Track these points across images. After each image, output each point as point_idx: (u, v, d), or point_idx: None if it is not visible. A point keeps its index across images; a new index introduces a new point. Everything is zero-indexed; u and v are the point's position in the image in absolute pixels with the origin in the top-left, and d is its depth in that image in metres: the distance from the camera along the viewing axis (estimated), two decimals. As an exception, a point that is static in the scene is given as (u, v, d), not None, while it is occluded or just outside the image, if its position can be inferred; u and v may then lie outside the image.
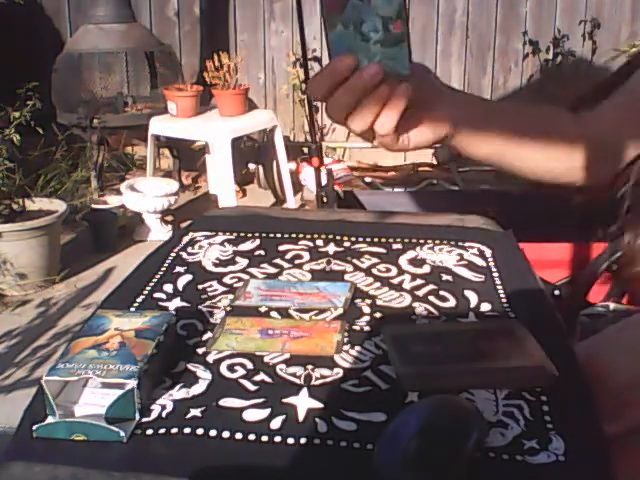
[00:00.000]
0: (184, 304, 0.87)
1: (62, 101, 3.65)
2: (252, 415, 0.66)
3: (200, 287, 0.92)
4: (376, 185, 4.07)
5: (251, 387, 0.71)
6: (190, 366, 0.74)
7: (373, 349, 0.77)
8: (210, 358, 0.76)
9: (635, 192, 1.02)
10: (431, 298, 0.89)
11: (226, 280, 0.94)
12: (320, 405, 0.68)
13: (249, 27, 4.30)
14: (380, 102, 0.67)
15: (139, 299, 0.88)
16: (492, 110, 0.85)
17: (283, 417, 0.66)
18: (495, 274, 0.95)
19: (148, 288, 0.91)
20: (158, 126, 3.51)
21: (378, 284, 0.92)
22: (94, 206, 3.32)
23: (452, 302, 0.88)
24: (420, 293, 0.90)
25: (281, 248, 1.04)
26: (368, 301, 0.88)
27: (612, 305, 1.49)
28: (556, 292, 1.47)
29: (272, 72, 4.37)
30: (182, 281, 0.93)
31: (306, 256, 1.01)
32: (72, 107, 3.59)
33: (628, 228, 1.02)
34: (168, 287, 0.92)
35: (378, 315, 0.85)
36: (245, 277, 0.95)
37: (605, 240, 1.45)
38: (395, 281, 0.93)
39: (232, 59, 3.46)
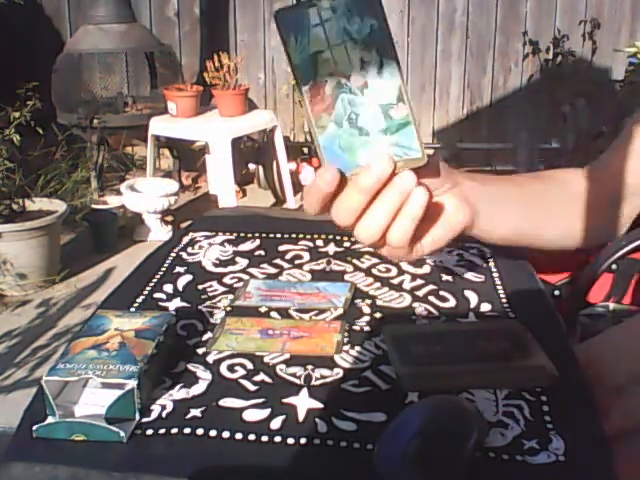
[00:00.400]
0: (184, 304, 0.87)
1: (62, 101, 3.65)
2: (252, 415, 0.66)
3: (200, 287, 0.92)
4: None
5: (251, 387, 0.71)
6: (190, 366, 0.74)
7: (373, 349, 0.77)
8: (210, 358, 0.76)
9: None
10: (431, 298, 0.89)
11: (226, 280, 0.94)
12: (320, 405, 0.68)
13: (249, 27, 4.30)
14: (391, 210, 0.58)
15: (139, 299, 0.88)
16: (506, 194, 0.78)
17: (283, 417, 0.66)
18: (495, 274, 0.95)
19: (148, 288, 0.91)
20: (158, 126, 3.51)
21: (378, 284, 0.92)
22: (94, 206, 3.32)
23: (452, 302, 0.88)
24: (420, 293, 0.90)
25: (281, 248, 1.04)
26: (368, 301, 0.88)
27: (612, 305, 1.49)
28: (556, 292, 1.46)
29: (272, 72, 4.37)
30: (182, 281, 0.93)
31: (306, 256, 1.01)
32: (72, 107, 3.59)
33: None
34: (168, 287, 0.92)
35: (378, 315, 0.85)
36: (245, 277, 0.95)
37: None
38: (395, 281, 0.93)
39: (232, 59, 3.46)
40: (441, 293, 0.90)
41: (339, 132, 0.56)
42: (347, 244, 1.05)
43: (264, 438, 0.64)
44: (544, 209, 0.81)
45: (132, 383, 0.65)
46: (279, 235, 1.08)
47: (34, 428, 0.64)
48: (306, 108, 0.56)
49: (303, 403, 0.68)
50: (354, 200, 0.58)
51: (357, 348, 0.77)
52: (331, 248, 1.04)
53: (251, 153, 3.95)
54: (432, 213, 0.62)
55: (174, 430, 0.64)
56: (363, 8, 0.53)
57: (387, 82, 0.54)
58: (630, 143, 0.85)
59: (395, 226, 0.59)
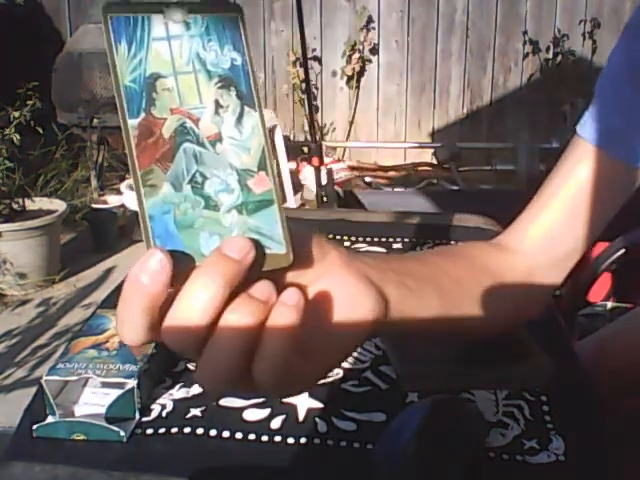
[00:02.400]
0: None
1: (62, 101, 3.66)
2: (252, 415, 0.66)
3: (200, 287, 0.91)
4: (376, 185, 4.08)
5: (251, 387, 0.71)
6: (190, 365, 0.74)
7: (373, 349, 0.77)
8: (210, 358, 0.76)
9: None
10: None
11: (226, 280, 0.93)
12: (320, 405, 0.68)
13: (249, 27, 4.17)
14: (252, 328, 0.37)
15: (139, 299, 0.88)
16: (412, 270, 0.55)
17: (283, 417, 0.66)
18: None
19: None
20: (158, 126, 3.51)
21: (378, 284, 0.92)
22: (94, 206, 3.32)
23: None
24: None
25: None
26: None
27: (610, 304, 1.49)
28: (556, 292, 1.47)
29: (272, 72, 4.37)
30: (182, 281, 0.93)
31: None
32: (72, 107, 3.59)
33: None
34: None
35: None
36: (245, 277, 0.94)
37: (605, 240, 1.45)
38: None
39: (232, 59, 3.46)
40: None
41: (176, 198, 0.38)
42: (347, 244, 1.05)
43: (264, 438, 0.64)
44: (458, 288, 0.59)
45: (132, 382, 0.65)
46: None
47: (34, 427, 0.64)
48: (130, 153, 0.37)
49: (303, 403, 0.68)
50: (195, 312, 0.36)
51: (357, 348, 0.77)
52: (331, 248, 1.03)
53: (251, 153, 3.95)
54: (322, 311, 0.43)
55: (174, 429, 0.64)
56: (224, 35, 0.40)
57: (247, 140, 0.40)
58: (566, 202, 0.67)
59: (264, 351, 0.38)
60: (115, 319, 0.39)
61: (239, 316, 0.37)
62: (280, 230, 0.40)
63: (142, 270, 0.36)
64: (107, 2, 0.38)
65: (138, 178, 0.37)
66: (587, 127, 0.65)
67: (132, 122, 0.38)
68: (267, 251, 0.39)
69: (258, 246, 0.38)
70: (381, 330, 0.48)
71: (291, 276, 0.41)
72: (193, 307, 0.36)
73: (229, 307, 0.37)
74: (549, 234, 0.67)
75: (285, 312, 0.37)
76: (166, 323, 0.37)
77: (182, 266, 0.37)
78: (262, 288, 0.38)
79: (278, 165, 3.69)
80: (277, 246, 0.39)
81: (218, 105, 0.39)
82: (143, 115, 0.38)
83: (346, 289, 0.44)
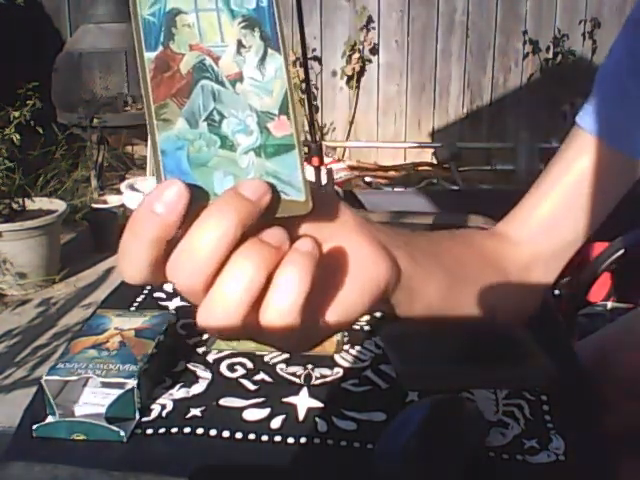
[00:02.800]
0: (184, 303, 0.87)
1: (62, 101, 3.66)
2: (252, 414, 0.66)
3: (200, 287, 0.91)
4: (376, 185, 4.08)
5: (251, 386, 0.71)
6: (190, 365, 0.74)
7: (373, 348, 0.77)
8: (210, 357, 0.76)
9: None
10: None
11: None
12: (320, 404, 0.68)
13: (249, 27, 4.29)
14: (263, 269, 0.36)
15: (139, 298, 0.88)
16: (423, 246, 0.55)
17: (283, 416, 0.66)
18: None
19: (148, 287, 0.91)
20: (158, 126, 3.51)
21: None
22: (94, 206, 3.31)
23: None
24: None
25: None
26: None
27: (610, 304, 1.49)
28: (556, 292, 1.47)
29: (272, 72, 4.37)
30: (182, 281, 0.93)
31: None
32: (72, 107, 3.59)
33: None
34: (168, 286, 0.92)
35: (378, 315, 0.84)
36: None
37: (605, 240, 1.45)
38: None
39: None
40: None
41: (191, 135, 0.37)
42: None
43: (264, 437, 0.64)
44: (462, 270, 0.59)
45: (132, 382, 0.65)
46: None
47: (34, 427, 0.64)
48: (145, 86, 0.37)
49: (303, 402, 0.68)
50: (206, 247, 0.35)
51: (357, 347, 0.77)
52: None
53: (251, 152, 3.95)
54: (335, 269, 0.41)
55: (174, 429, 0.64)
56: None
57: (269, 82, 0.38)
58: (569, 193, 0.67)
59: (273, 297, 0.36)
60: (118, 251, 0.37)
61: (249, 259, 0.35)
62: (300, 176, 0.38)
63: (158, 198, 0.35)
64: None
65: (152, 111, 0.37)
66: (587, 117, 0.65)
67: (149, 55, 0.37)
68: (285, 197, 0.38)
69: (275, 190, 0.37)
70: (390, 298, 0.47)
71: (305, 228, 0.40)
72: (203, 243, 0.35)
73: (239, 248, 0.36)
74: (549, 224, 0.67)
75: (298, 259, 0.36)
76: (173, 258, 0.36)
77: (197, 200, 0.36)
78: (275, 234, 0.37)
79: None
80: (296, 193, 0.38)
81: (240, 45, 0.38)
82: (161, 49, 0.37)
83: (361, 250, 0.42)
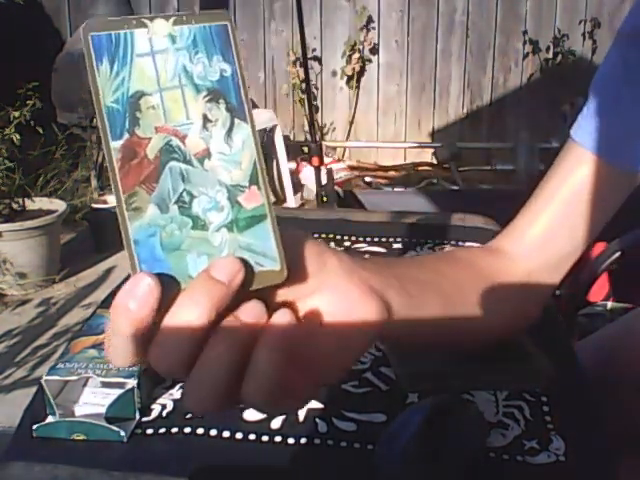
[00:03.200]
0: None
1: (62, 101, 3.65)
2: (252, 415, 0.66)
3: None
4: (376, 185, 4.08)
5: (251, 387, 0.71)
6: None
7: (373, 350, 0.77)
8: (210, 358, 0.76)
9: None
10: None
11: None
12: (320, 405, 0.68)
13: (249, 27, 4.30)
14: (237, 354, 0.37)
15: (139, 299, 0.88)
16: (412, 275, 0.55)
17: (283, 417, 0.66)
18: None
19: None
20: (158, 126, 3.51)
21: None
22: (94, 205, 3.31)
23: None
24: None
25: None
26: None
27: (610, 304, 1.49)
28: (556, 292, 1.47)
29: (272, 71, 4.37)
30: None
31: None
32: (72, 106, 3.59)
33: None
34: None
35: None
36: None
37: (605, 240, 1.45)
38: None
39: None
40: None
41: (162, 220, 0.37)
42: (347, 244, 1.05)
43: (264, 438, 0.64)
44: (458, 293, 0.59)
45: (132, 382, 0.65)
46: (279, 235, 1.07)
47: (34, 427, 0.64)
48: (113, 177, 0.36)
49: (303, 403, 0.68)
50: (180, 336, 0.36)
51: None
52: (331, 248, 1.03)
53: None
54: (319, 328, 0.42)
55: (174, 429, 0.64)
56: (213, 46, 0.38)
57: (237, 153, 0.38)
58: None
59: (250, 377, 0.37)
60: (105, 347, 0.38)
61: (225, 342, 0.36)
62: (274, 245, 0.38)
63: (129, 296, 0.35)
64: (88, 21, 0.37)
65: (122, 202, 0.36)
66: (582, 131, 0.65)
67: (114, 144, 0.36)
68: (260, 268, 0.38)
69: (248, 265, 0.37)
70: (384, 337, 0.48)
71: (289, 288, 0.40)
72: (179, 331, 0.36)
73: (216, 330, 0.36)
74: (546, 238, 0.67)
75: (271, 341, 0.37)
76: (153, 347, 0.36)
77: (169, 290, 0.36)
78: (252, 309, 0.37)
79: (278, 164, 3.69)
80: (270, 262, 0.38)
81: (206, 119, 0.38)
82: (127, 136, 0.37)
83: (347, 299, 0.43)
